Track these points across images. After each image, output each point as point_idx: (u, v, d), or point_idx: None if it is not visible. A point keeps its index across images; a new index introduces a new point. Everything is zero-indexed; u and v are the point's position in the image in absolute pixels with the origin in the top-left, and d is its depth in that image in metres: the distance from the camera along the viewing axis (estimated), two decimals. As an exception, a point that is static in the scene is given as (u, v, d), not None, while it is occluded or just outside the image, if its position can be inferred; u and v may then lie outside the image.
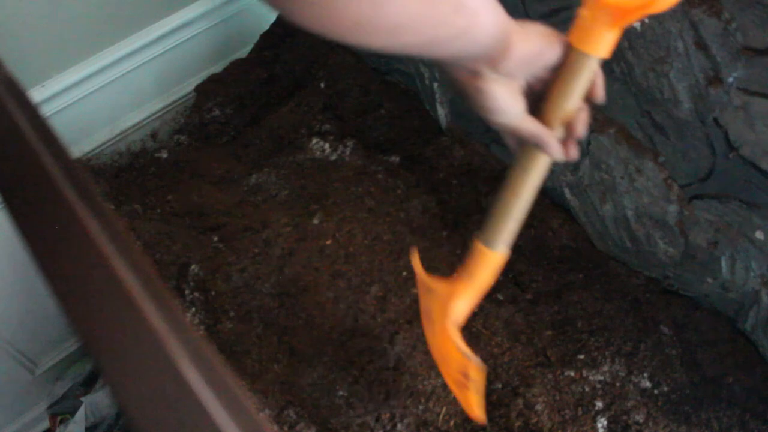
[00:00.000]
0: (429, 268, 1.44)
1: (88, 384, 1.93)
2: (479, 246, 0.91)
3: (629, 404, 1.20)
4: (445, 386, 1.23)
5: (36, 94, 1.59)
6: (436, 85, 1.60)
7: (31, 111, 0.41)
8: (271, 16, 2.04)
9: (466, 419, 1.20)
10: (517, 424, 1.21)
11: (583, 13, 0.76)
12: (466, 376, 0.99)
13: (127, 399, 0.28)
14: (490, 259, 0.91)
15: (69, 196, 0.34)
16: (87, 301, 0.30)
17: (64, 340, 1.95)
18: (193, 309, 1.44)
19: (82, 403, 1.83)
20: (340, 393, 1.28)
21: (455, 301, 0.97)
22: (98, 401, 1.82)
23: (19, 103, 0.42)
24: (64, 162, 0.36)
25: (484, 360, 1.13)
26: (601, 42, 0.75)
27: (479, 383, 0.98)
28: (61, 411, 1.90)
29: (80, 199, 0.34)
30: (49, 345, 1.92)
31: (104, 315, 0.30)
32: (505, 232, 0.88)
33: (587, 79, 0.76)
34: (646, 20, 0.99)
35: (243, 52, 1.98)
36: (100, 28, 1.66)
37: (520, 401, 1.22)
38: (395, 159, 1.66)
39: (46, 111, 1.63)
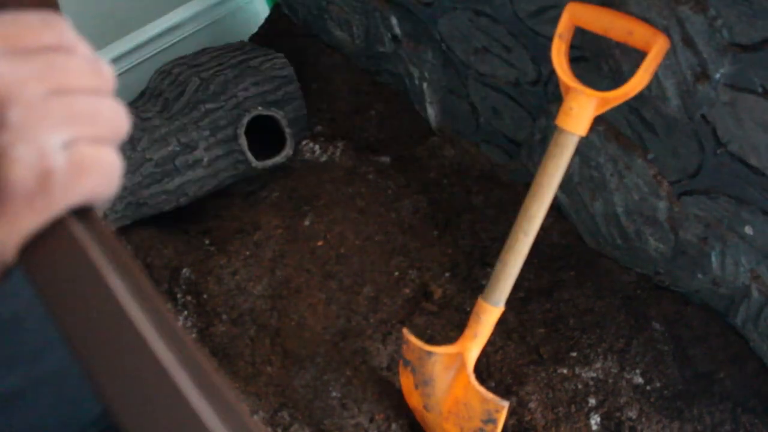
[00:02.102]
0: (421, 267, 1.45)
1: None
2: (487, 307, 1.07)
3: (622, 401, 1.21)
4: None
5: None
6: (425, 85, 1.60)
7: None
8: (260, 19, 2.04)
9: (460, 418, 1.20)
10: (511, 422, 1.21)
11: (571, 104, 0.95)
12: (490, 421, 1.09)
13: (115, 404, 0.28)
14: (496, 315, 1.09)
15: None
16: (73, 307, 0.30)
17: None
18: (186, 312, 1.43)
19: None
20: (334, 394, 1.28)
21: (470, 354, 1.11)
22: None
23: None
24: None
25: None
26: (585, 124, 0.96)
27: (502, 421, 1.09)
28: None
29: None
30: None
31: (92, 320, 0.30)
32: (506, 290, 1.07)
33: (571, 154, 0.97)
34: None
35: (232, 55, 1.97)
36: (90, 31, 1.66)
37: (513, 399, 1.23)
38: (386, 159, 1.66)
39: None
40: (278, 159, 1.59)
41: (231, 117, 1.56)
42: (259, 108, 1.57)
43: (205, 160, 1.54)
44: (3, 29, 0.32)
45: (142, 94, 1.64)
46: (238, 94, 1.57)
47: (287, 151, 1.61)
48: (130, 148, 1.47)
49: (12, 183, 0.30)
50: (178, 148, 1.51)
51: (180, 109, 1.53)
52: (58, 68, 0.32)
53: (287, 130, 1.60)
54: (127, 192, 1.49)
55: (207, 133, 1.54)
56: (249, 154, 1.56)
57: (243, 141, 1.55)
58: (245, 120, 1.55)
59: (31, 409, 0.53)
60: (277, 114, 1.59)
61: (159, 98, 1.57)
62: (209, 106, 1.54)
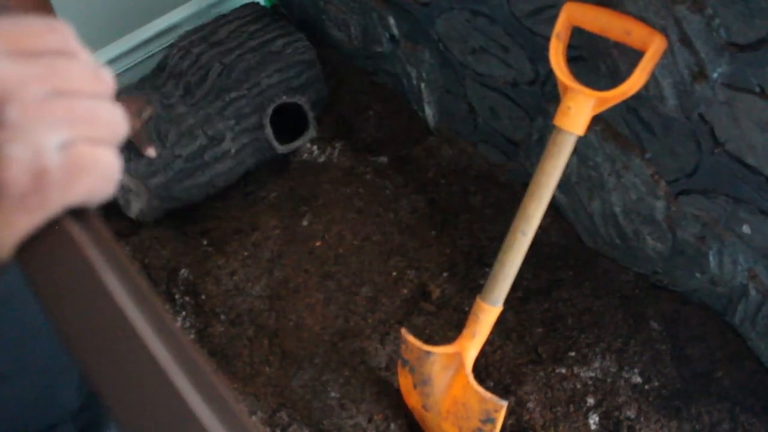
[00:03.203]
0: (420, 267, 1.45)
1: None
2: (486, 306, 1.08)
3: (620, 400, 1.21)
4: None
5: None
6: (423, 85, 1.60)
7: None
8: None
9: (459, 418, 1.20)
10: (510, 421, 1.21)
11: (569, 103, 0.95)
12: (488, 421, 1.09)
13: (113, 404, 0.28)
14: (494, 314, 1.09)
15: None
16: (71, 307, 0.30)
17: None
18: (184, 313, 1.43)
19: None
20: (333, 394, 1.28)
21: (469, 354, 1.11)
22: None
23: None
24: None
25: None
26: (583, 123, 0.96)
27: (501, 421, 1.09)
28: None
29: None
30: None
31: (90, 321, 0.30)
32: (505, 290, 1.07)
33: (569, 153, 0.97)
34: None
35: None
36: (90, 30, 1.65)
37: (512, 399, 1.23)
38: (384, 159, 1.66)
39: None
40: (302, 141, 1.61)
41: (255, 105, 1.57)
42: (284, 97, 1.58)
43: (233, 150, 1.56)
44: (8, 31, 0.32)
45: (161, 68, 1.63)
46: (261, 81, 1.57)
47: (311, 133, 1.62)
48: (159, 144, 1.49)
49: (6, 181, 0.30)
50: (205, 142, 1.53)
51: (203, 95, 1.54)
52: (59, 71, 0.33)
53: (310, 114, 1.61)
54: (161, 189, 1.51)
55: (232, 122, 1.55)
56: (275, 142, 1.57)
57: (269, 130, 1.56)
58: (270, 110, 1.56)
59: (10, 395, 0.53)
60: (301, 101, 1.59)
61: (180, 80, 1.57)
62: (233, 95, 1.54)
